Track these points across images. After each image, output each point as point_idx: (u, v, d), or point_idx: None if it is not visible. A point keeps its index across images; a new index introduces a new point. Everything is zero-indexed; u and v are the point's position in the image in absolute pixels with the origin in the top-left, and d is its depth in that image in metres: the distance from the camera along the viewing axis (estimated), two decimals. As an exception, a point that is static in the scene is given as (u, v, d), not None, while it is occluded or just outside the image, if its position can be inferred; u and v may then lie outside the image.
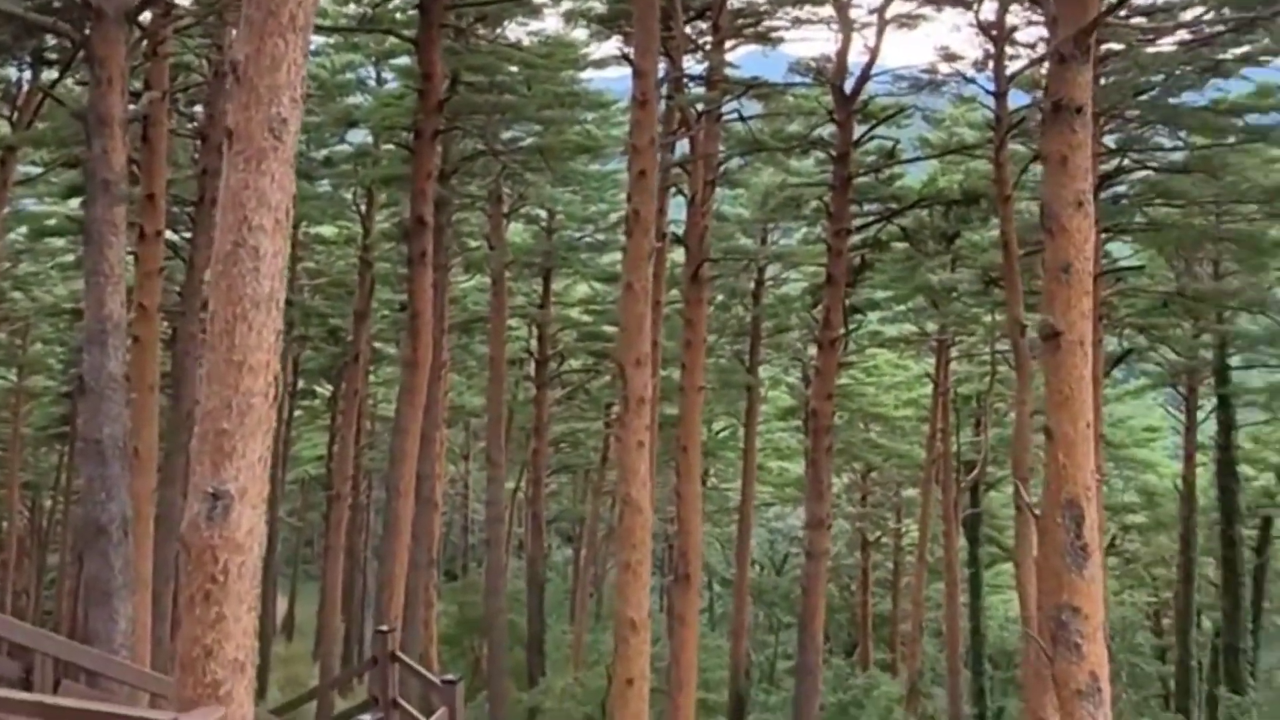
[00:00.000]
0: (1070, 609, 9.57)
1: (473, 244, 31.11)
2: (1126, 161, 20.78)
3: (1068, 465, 9.62)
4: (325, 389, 41.04)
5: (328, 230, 33.99)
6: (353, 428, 32.53)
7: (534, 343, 34.93)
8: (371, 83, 28.86)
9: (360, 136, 28.33)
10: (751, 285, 30.76)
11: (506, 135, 25.05)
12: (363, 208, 31.08)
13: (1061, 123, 8.72)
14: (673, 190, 21.29)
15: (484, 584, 31.14)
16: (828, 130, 21.87)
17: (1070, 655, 9.54)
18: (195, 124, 22.06)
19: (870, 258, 25.07)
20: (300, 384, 39.74)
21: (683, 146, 21.04)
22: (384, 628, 12.93)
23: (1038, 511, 19.37)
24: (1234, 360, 28.19)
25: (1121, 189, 21.40)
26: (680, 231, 21.10)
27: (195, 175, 20.55)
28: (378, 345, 37.21)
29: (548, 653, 34.86)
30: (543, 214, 31.94)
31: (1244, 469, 30.08)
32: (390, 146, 26.59)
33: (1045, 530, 10.10)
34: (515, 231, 32.74)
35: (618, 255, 32.45)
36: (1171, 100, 18.60)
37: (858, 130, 21.12)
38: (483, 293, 34.74)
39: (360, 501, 40.17)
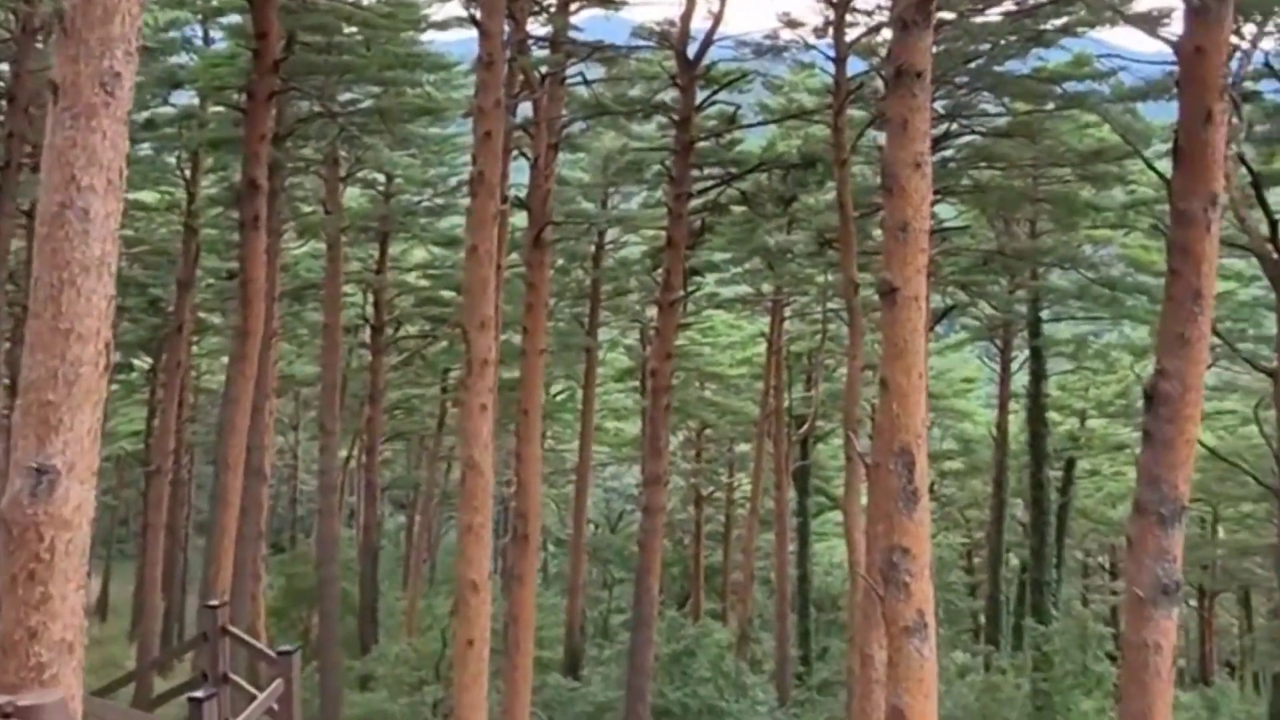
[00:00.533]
0: (901, 550, 9.79)
1: (306, 209, 30.03)
2: (954, 127, 21.41)
3: (901, 414, 9.80)
4: (144, 361, 39.11)
5: (148, 196, 32.23)
6: (175, 401, 31.11)
7: (370, 309, 34.05)
8: (198, 41, 27.29)
9: (185, 98, 26.87)
10: (591, 249, 30.64)
11: (344, 97, 24.18)
12: (187, 172, 29.63)
13: (903, 87, 8.80)
14: (514, 153, 20.89)
15: (316, 554, 30.54)
16: (670, 95, 21.85)
17: (899, 594, 9.76)
18: (1, 84, 20.54)
19: (710, 221, 25.23)
20: (117, 357, 37.74)
21: (525, 110, 20.65)
22: (213, 602, 12.51)
23: (868, 460, 19.78)
24: (1045, 314, 29.52)
25: (948, 153, 22.05)
26: (521, 195, 20.72)
27: (0, 139, 19.13)
28: (202, 315, 35.64)
29: (381, 620, 34.51)
30: (380, 178, 31.06)
31: (1052, 415, 31.65)
32: (220, 108, 25.31)
33: (878, 476, 10.36)
34: (351, 196, 31.75)
35: (457, 219, 31.98)
36: (997, 68, 19.19)
37: (699, 95, 21.15)
38: (315, 259, 33.70)
39: (181, 477, 38.58)
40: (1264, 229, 14.60)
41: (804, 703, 29.40)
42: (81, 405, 5.34)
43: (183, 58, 26.06)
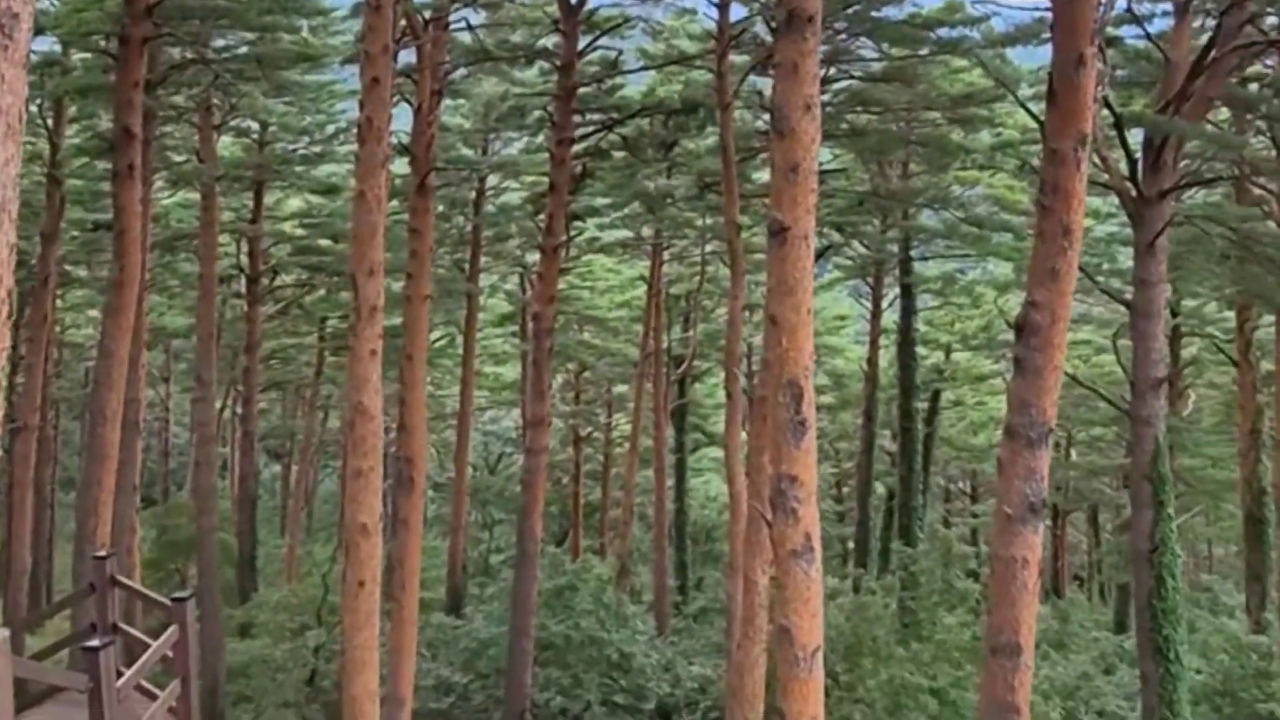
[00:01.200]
0: (789, 478, 10.10)
1: (177, 158, 29.02)
2: (832, 71, 21.78)
3: (790, 349, 10.05)
4: (8, 316, 37.32)
5: (8, 147, 30.55)
6: (41, 356, 29.92)
7: (245, 259, 33.19)
8: (60, -14, 25.91)
9: (46, 44, 25.56)
10: (472, 195, 30.36)
11: (219, 43, 23.30)
12: (50, 121, 28.28)
13: (794, 31, 8.95)
14: (396, 100, 20.55)
15: (194, 505, 30.01)
16: (552, 41, 21.69)
17: (788, 519, 10.08)
18: None
19: (591, 166, 25.24)
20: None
21: (408, 56, 20.30)
22: (101, 553, 12.32)
23: (751, 394, 20.26)
24: (915, 252, 30.44)
25: (826, 97, 22.44)
26: (403, 141, 20.43)
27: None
28: (68, 268, 34.27)
29: (260, 568, 34.17)
30: (255, 126, 30.16)
31: (920, 350, 32.76)
32: (86, 55, 24.17)
33: (763, 409, 10.73)
34: (224, 145, 30.77)
35: (335, 167, 31.37)
36: (874, 14, 19.53)
37: (581, 41, 21.04)
38: (187, 209, 32.66)
39: (48, 433, 37.27)
40: (1124, 168, 15.33)
41: (682, 630, 30.16)
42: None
43: (43, 2, 24.78)
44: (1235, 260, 18.92)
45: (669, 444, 34.74)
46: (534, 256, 33.50)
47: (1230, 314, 24.08)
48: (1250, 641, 21.46)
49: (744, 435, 21.03)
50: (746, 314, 37.99)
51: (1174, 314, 24.40)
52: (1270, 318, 20.64)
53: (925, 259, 31.83)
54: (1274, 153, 19.22)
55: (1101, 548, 42.50)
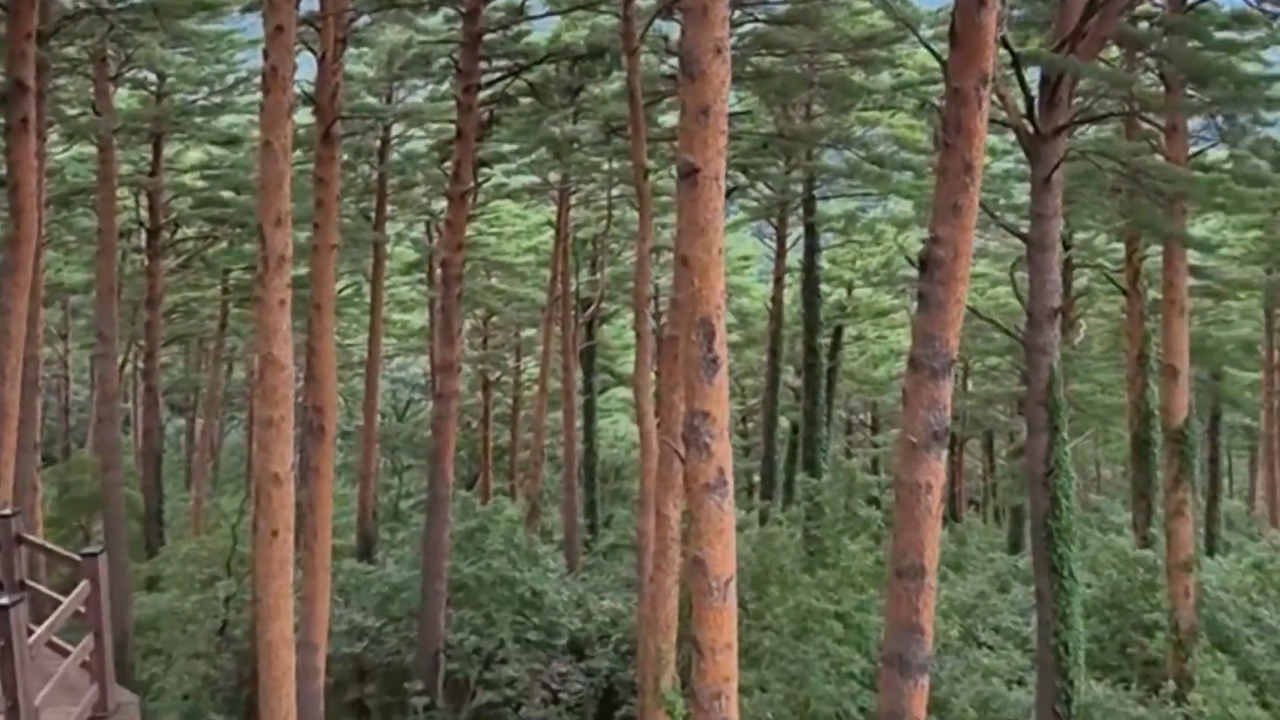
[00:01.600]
0: (702, 414, 10.24)
1: (72, 111, 27.97)
2: (737, 15, 21.82)
3: (701, 288, 10.15)
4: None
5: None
6: (-75, 317, 28.75)
7: (144, 212, 32.25)
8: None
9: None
10: (377, 144, 29.86)
11: (115, -7, 22.42)
12: (-68, 74, 27.03)
13: (704, -27, 8.98)
14: (298, 48, 20.06)
15: (97, 461, 29.38)
16: (458, -13, 21.27)
17: (701, 455, 10.22)
18: None
19: (498, 113, 24.96)
20: None
21: (310, 3, 19.80)
22: (4, 511, 12.19)
23: (662, 334, 20.39)
24: (818, 193, 30.79)
25: (732, 41, 22.44)
26: (307, 90, 20.00)
27: None
28: (-47, 226, 32.90)
29: (167, 522, 33.74)
30: (152, 77, 29.12)
31: (823, 287, 33.30)
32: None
33: (674, 348, 10.84)
34: (121, 97, 29.74)
35: (235, 118, 30.53)
36: (778, -42, 19.54)
37: (488, -14, 20.69)
38: (82, 163, 31.57)
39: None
40: (1021, 105, 15.70)
41: (592, 567, 30.59)
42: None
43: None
44: (1125, 193, 19.55)
45: (577, 386, 34.94)
46: (441, 204, 33.13)
47: (1120, 245, 24.93)
48: (1136, 556, 22.47)
49: (653, 375, 21.29)
50: (654, 256, 38.24)
51: (1066, 246, 25.22)
52: (1158, 248, 21.43)
53: (828, 198, 32.21)
54: (1162, 89, 19.81)
55: (996, 473, 43.98)
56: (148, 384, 33.16)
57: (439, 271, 26.56)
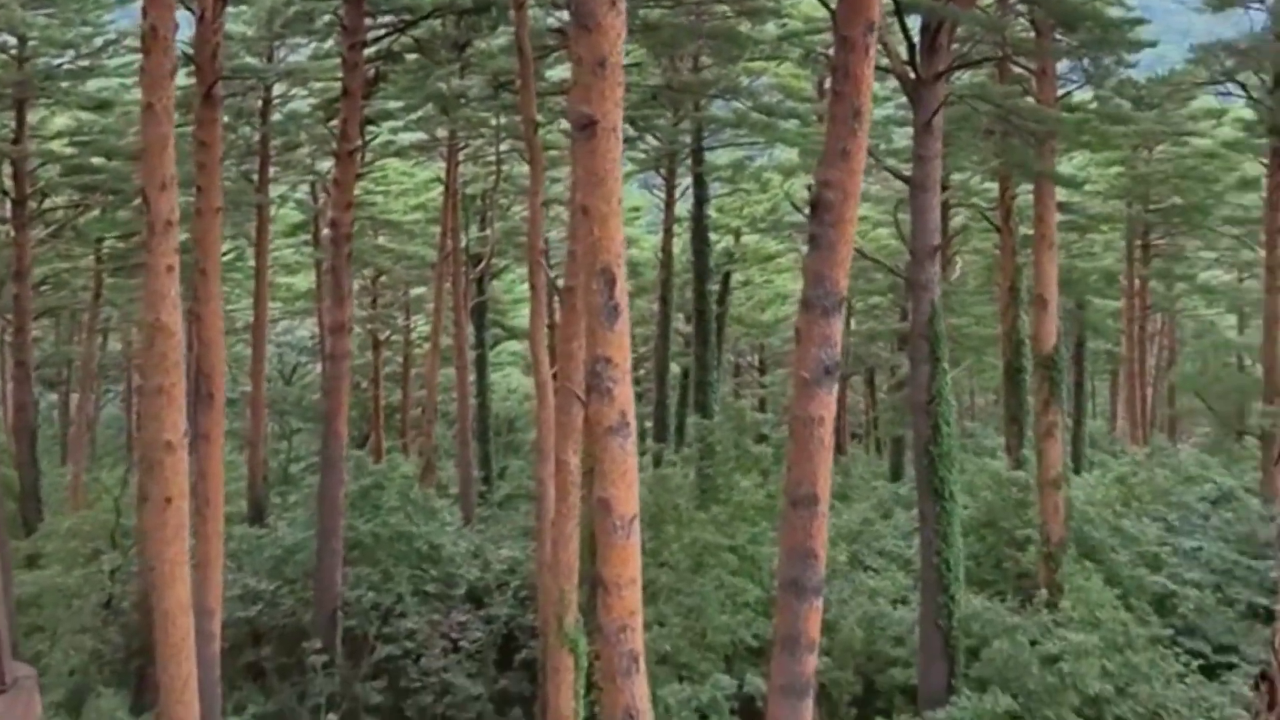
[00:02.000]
0: (604, 360, 10.39)
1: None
2: (626, -32, 21.81)
3: (602, 238, 10.26)
4: None
5: None
6: None
7: (9, 181, 30.99)
8: None
9: None
10: (259, 104, 29.13)
11: (-30, -48, 21.39)
12: None
13: (597, -74, 9.12)
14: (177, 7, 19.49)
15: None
16: (339, -59, 20.87)
17: (603, 399, 10.37)
18: None
19: (384, 69, 24.59)
20: None
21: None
22: None
23: (560, 284, 20.56)
24: (707, 143, 31.09)
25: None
26: (186, 51, 19.48)
27: None
28: None
29: (45, 498, 32.80)
30: (13, 40, 27.80)
31: (711, 235, 33.79)
32: None
33: (576, 297, 11.06)
34: (-23, 62, 28.38)
35: (105, 82, 29.42)
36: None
37: (370, -59, 20.33)
38: (-62, 134, 30.15)
39: None
40: (903, 52, 16.26)
41: (488, 518, 30.71)
42: None
43: None
44: (999, 135, 20.36)
45: (470, 341, 34.91)
46: (326, 164, 32.63)
47: (993, 185, 25.92)
48: (1010, 477, 23.51)
49: (547, 327, 21.45)
50: (546, 209, 38.27)
51: (943, 188, 26.10)
52: (1028, 186, 22.33)
53: (715, 148, 32.57)
54: (1033, 34, 20.58)
55: (877, 406, 45.35)
56: (18, 359, 32.14)
57: (327, 232, 26.23)
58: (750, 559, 21.11)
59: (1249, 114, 25.31)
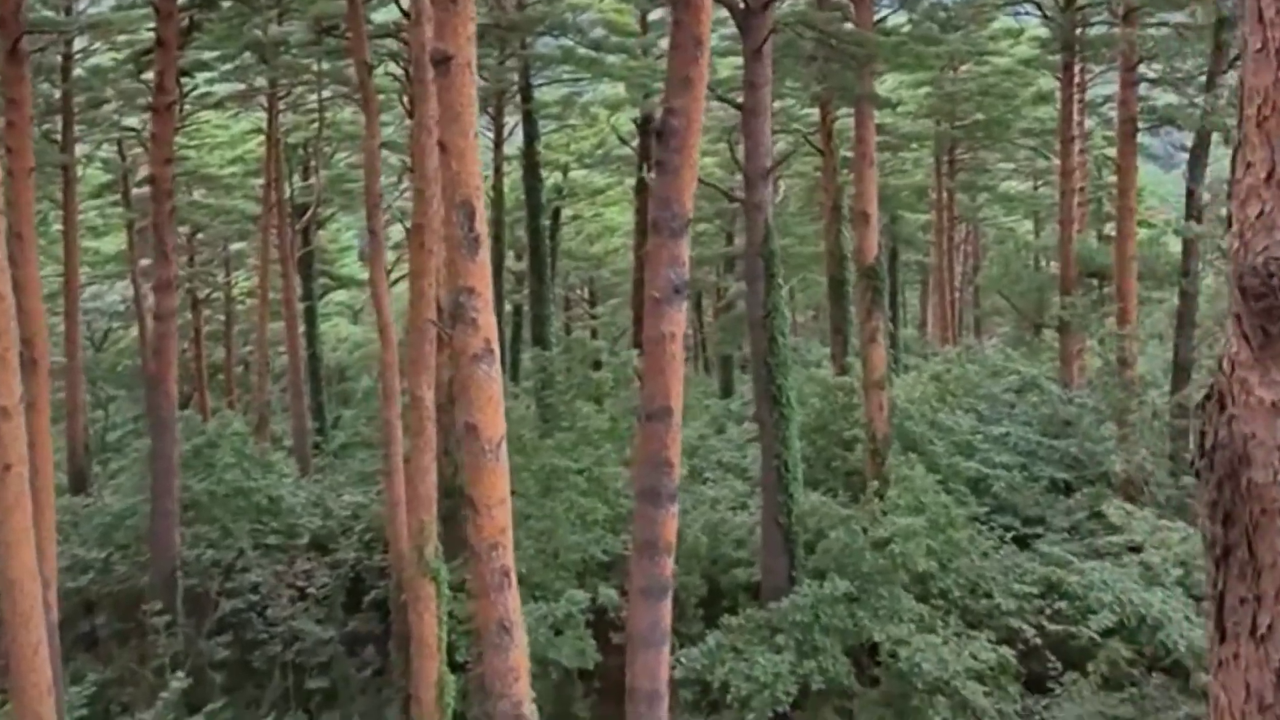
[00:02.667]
0: (467, 290, 10.71)
1: None
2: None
3: (460, 172, 10.57)
4: None
5: None
6: None
7: None
8: None
9: None
10: (59, 59, 27.53)
11: None
12: None
13: None
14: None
15: None
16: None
17: (468, 329, 10.73)
18: None
19: (199, 18, 23.67)
20: None
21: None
22: None
23: (408, 225, 20.56)
24: (536, 80, 31.03)
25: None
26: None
27: None
28: None
29: None
30: None
31: (543, 172, 33.95)
32: None
33: (425, 235, 11.35)
34: None
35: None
36: None
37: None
38: None
39: None
40: (732, -18, 16.76)
41: (325, 467, 30.68)
42: None
43: None
44: (821, 60, 21.24)
45: (297, 293, 34.31)
46: (134, 119, 31.19)
47: (814, 110, 26.91)
48: (836, 383, 24.69)
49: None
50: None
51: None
52: (848, 110, 23.29)
53: (542, 85, 32.55)
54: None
55: (704, 329, 46.67)
56: None
57: (148, 188, 25.30)
58: (597, 480, 21.68)
59: (1044, 32, 26.94)
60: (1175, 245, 26.30)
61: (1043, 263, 34.61)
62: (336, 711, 20.64)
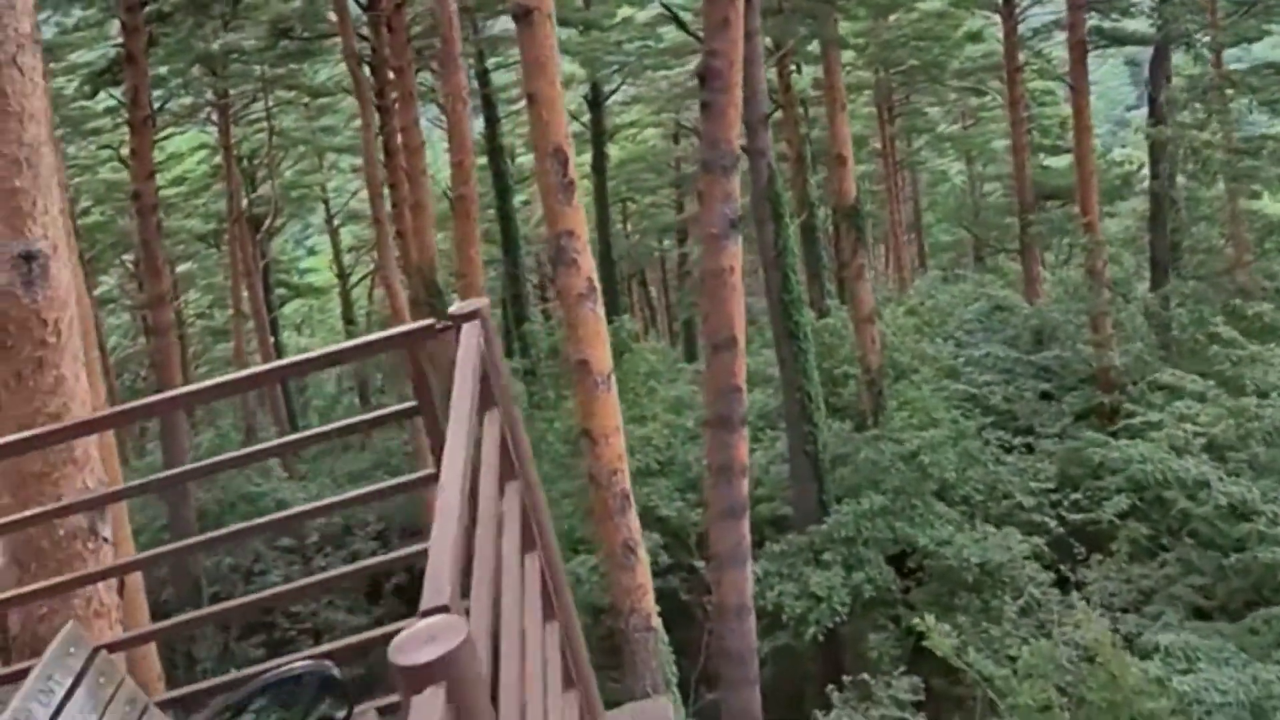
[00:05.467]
0: (566, 233, 11.03)
1: None
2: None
3: (550, 120, 10.83)
4: None
5: None
6: None
7: None
8: None
9: None
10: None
11: None
12: None
13: None
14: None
15: None
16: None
17: (570, 270, 11.08)
18: None
19: (156, 32, 23.12)
20: None
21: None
22: None
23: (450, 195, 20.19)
24: (491, 64, 30.48)
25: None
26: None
27: None
28: None
29: None
30: None
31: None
32: None
33: (538, 177, 11.48)
34: None
35: None
36: None
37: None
38: None
39: None
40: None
41: (308, 473, 30.18)
42: (50, 186, 5.13)
43: None
44: (787, 11, 20.81)
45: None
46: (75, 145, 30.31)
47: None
48: (823, 325, 25.07)
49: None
50: (322, 158, 37.13)
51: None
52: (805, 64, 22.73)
53: (497, 70, 32.14)
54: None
55: (669, 295, 46.46)
56: None
57: (132, 205, 24.90)
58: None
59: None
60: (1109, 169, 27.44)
61: (985, 195, 35.42)
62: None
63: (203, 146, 33.87)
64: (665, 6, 21.84)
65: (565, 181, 11.00)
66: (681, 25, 22.72)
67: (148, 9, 22.48)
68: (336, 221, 39.05)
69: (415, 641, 1.77)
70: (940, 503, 18.63)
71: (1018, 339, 25.34)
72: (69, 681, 3.08)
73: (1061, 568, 16.95)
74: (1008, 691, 13.76)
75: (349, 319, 39.76)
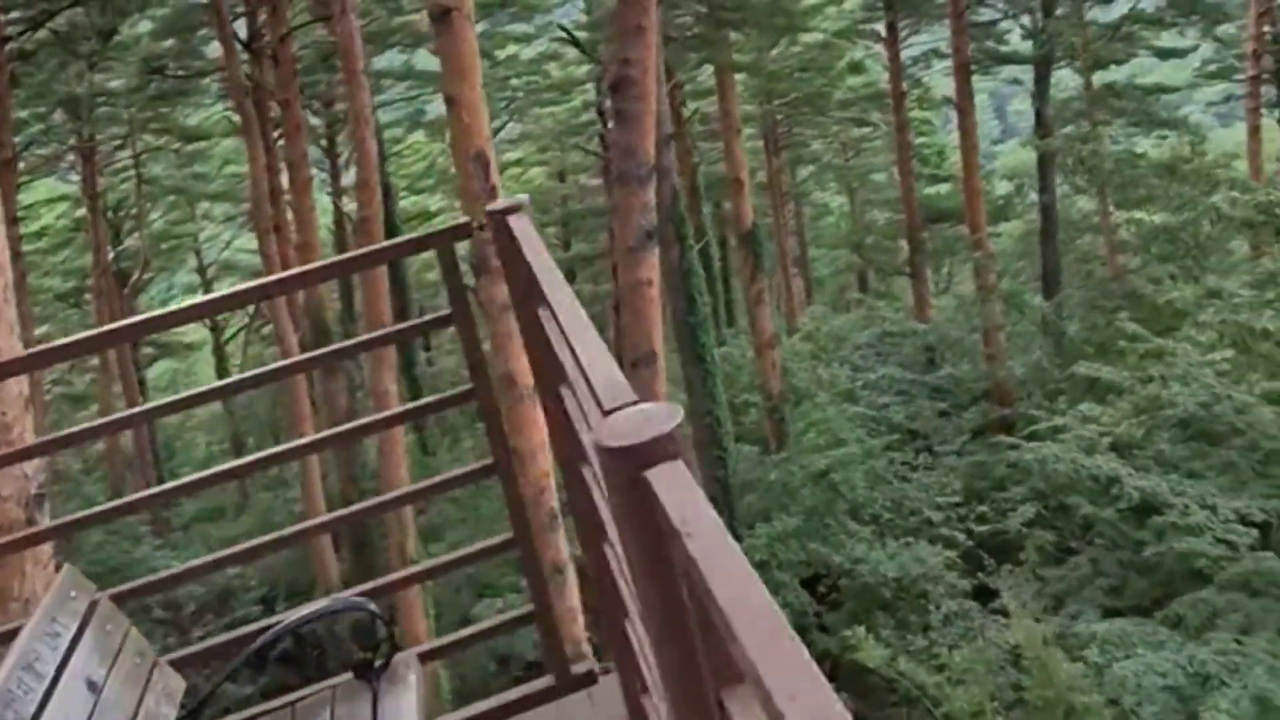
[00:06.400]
0: (489, 242, 10.98)
1: None
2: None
3: (471, 124, 10.62)
4: None
5: None
6: None
7: None
8: None
9: None
10: None
11: None
12: None
13: None
14: None
15: None
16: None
17: (495, 279, 10.74)
18: None
19: (19, 71, 22.01)
20: None
21: None
22: None
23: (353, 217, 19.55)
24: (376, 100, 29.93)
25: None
26: None
27: None
28: None
29: None
30: None
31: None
32: None
33: (460, 182, 11.26)
34: None
35: None
36: None
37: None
38: None
39: None
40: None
41: (180, 540, 29.38)
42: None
43: None
44: (681, 37, 21.08)
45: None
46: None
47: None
48: (721, 354, 25.36)
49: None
50: (195, 206, 35.83)
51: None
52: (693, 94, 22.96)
53: (382, 106, 31.59)
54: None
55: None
56: None
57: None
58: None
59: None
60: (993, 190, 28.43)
61: (879, 218, 36.13)
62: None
63: (63, 198, 32.37)
64: (561, 27, 21.86)
65: (488, 187, 10.76)
66: (578, 44, 22.77)
67: (9, 46, 21.50)
68: (210, 273, 37.72)
69: (624, 429, 1.57)
70: (852, 521, 18.77)
71: (912, 361, 25.94)
72: (75, 625, 2.78)
73: (980, 575, 17.22)
74: (942, 699, 13.82)
75: (223, 377, 38.32)
